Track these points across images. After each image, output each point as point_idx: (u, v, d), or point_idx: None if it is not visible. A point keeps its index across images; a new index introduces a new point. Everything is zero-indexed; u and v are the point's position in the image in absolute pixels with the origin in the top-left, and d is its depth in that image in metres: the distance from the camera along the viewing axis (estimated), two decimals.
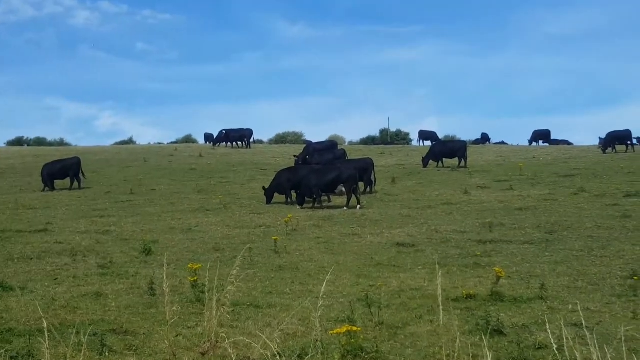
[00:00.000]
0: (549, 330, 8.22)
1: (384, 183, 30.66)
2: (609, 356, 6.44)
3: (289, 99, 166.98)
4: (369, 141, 74.80)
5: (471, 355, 7.19)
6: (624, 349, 6.55)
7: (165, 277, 8.38)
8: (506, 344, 8.65)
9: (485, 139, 67.33)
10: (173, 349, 8.22)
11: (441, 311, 7.43)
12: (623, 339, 7.16)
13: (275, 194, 26.34)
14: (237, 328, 9.45)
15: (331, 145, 43.74)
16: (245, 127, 58.08)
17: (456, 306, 10.72)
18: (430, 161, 37.84)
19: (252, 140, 58.71)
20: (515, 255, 14.96)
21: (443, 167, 37.54)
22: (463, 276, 13.04)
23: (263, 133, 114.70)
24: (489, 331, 8.84)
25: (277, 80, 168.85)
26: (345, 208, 23.75)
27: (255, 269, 13.58)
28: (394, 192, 28.37)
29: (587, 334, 9.09)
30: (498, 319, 9.31)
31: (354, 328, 7.09)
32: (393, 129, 79.12)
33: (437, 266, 10.30)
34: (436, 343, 8.55)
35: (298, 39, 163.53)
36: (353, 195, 24.25)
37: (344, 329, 6.86)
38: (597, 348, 8.00)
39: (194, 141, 77.65)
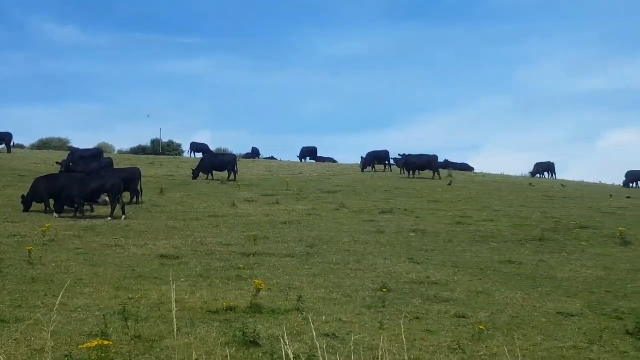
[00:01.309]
0: (304, 341, 8.53)
1: (151, 194, 30.11)
2: None
3: (55, 104, 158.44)
4: (139, 151, 73.10)
5: None
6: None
7: None
8: (260, 355, 8.83)
9: (255, 153, 68.43)
10: None
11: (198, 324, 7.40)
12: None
13: (36, 203, 24.92)
14: None
15: (97, 153, 42.26)
16: (3, 131, 54.40)
17: (215, 318, 10.79)
18: (201, 173, 37.78)
19: (12, 144, 55.10)
20: (277, 268, 15.34)
21: (213, 179, 37.63)
22: (225, 288, 13.14)
23: (24, 138, 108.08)
24: (245, 343, 8.99)
25: (41, 83, 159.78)
26: (109, 218, 23.02)
27: (4, 281, 12.76)
28: (162, 203, 27.97)
29: (338, 344, 9.59)
30: (255, 331, 9.48)
31: (106, 342, 6.88)
32: (165, 140, 78.11)
33: (199, 278, 10.30)
34: (191, 356, 8.52)
35: (67, 42, 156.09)
36: (117, 205, 23.58)
37: (95, 343, 6.64)
38: (348, 357, 8.44)
39: None
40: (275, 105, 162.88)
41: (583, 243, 20.27)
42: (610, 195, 34.40)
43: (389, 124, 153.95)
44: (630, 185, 44.78)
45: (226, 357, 8.51)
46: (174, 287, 7.44)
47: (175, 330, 8.61)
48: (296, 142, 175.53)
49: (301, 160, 62.36)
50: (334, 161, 63.45)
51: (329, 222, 22.90)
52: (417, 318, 11.55)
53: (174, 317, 6.83)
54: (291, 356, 7.41)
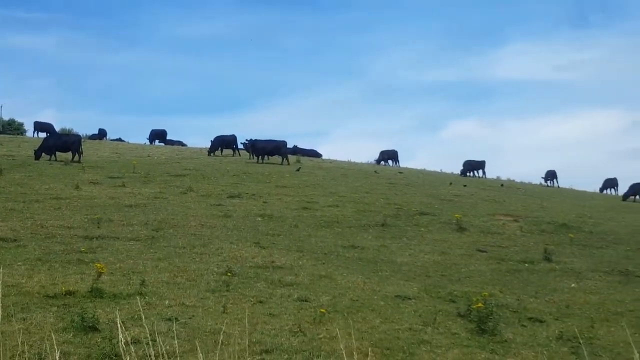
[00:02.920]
0: (144, 325, 8.43)
1: None
2: (198, 348, 6.74)
3: None
4: None
5: (62, 352, 7.06)
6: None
7: None
8: (99, 340, 8.66)
9: (102, 134, 66.21)
10: None
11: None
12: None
13: None
14: None
15: None
16: None
17: (53, 303, 10.47)
18: (43, 154, 36.17)
19: None
20: (121, 252, 15.02)
21: (56, 160, 36.15)
22: (65, 272, 12.73)
23: None
24: (83, 328, 8.77)
25: None
26: None
27: None
28: (0, 184, 26.58)
29: (180, 328, 9.55)
30: (94, 315, 9.29)
31: None
32: (6, 118, 74.06)
33: (38, 262, 9.93)
34: (26, 341, 8.22)
35: None
36: None
37: None
38: (189, 341, 8.44)
39: None
40: (123, 86, 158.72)
41: (422, 229, 21.18)
42: (450, 183, 36.04)
43: (241, 108, 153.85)
44: (468, 174, 47.03)
45: (62, 342, 8.28)
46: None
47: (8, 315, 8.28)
48: (145, 124, 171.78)
49: (150, 143, 61.04)
50: (184, 144, 62.55)
51: (175, 206, 22.61)
52: (261, 302, 11.70)
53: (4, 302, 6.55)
54: (129, 341, 7.35)
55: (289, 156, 39.95)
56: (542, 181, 49.14)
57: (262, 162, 37.86)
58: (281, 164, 37.82)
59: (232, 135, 44.47)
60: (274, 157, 39.46)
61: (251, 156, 39.97)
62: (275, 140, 39.81)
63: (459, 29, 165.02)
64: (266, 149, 38.98)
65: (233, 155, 42.61)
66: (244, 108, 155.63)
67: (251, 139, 41.05)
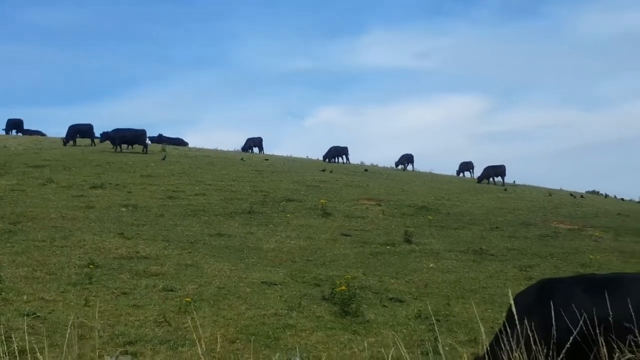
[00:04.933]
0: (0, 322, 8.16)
1: None
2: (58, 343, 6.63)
3: None
4: None
5: None
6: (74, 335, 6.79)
7: None
8: None
9: None
10: None
11: None
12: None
13: None
14: None
15: None
16: None
17: None
18: None
19: None
20: None
21: None
22: None
23: None
24: None
25: None
26: None
27: None
28: None
29: (38, 323, 9.31)
30: None
31: None
32: None
33: None
34: None
35: None
36: None
37: None
38: (48, 336, 8.24)
39: None
40: None
41: (288, 215, 21.43)
42: (323, 170, 36.52)
43: (103, 97, 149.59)
44: (332, 160, 47.75)
45: None
46: None
47: None
48: (1, 113, 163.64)
49: (7, 133, 58.27)
50: (43, 134, 60.13)
51: (35, 198, 21.77)
52: (125, 293, 11.56)
53: None
54: None
55: (154, 145, 39.21)
56: (396, 166, 50.21)
57: (121, 151, 36.93)
58: (142, 152, 37.08)
59: (88, 124, 43.12)
60: (136, 146, 38.55)
61: (116, 148, 38.84)
62: (135, 128, 38.87)
63: (319, 17, 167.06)
64: (125, 138, 37.99)
65: (91, 145, 41.29)
66: (106, 98, 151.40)
67: (111, 130, 39.77)
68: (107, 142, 38.35)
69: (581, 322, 5.93)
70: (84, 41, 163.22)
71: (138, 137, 38.30)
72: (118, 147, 37.52)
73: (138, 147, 38.27)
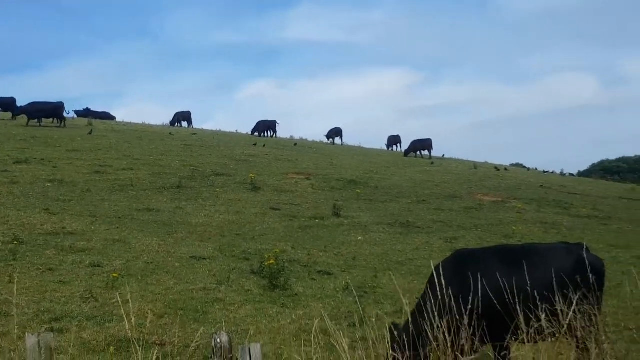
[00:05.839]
0: None
1: None
2: None
3: None
4: None
5: None
6: None
7: None
8: None
9: None
10: None
11: None
12: None
13: None
14: None
15: None
16: None
17: None
18: None
19: None
20: None
21: None
22: None
23: None
24: None
25: None
26: None
27: None
28: None
29: None
30: None
31: None
32: None
33: None
34: None
35: None
36: None
37: None
38: None
39: None
40: None
41: (217, 189, 21.41)
42: (255, 144, 36.43)
43: (26, 69, 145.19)
44: (262, 134, 47.60)
45: None
46: None
47: None
48: None
49: None
50: None
51: None
52: (50, 269, 11.43)
53: None
54: None
55: (81, 119, 38.35)
56: (325, 139, 50.51)
57: (40, 125, 35.94)
58: (59, 126, 36.22)
59: (11, 97, 41.91)
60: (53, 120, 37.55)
61: (28, 121, 37.59)
62: (52, 102, 37.87)
63: None
64: (43, 111, 36.92)
65: (12, 119, 40.11)
66: (30, 70, 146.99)
67: (32, 102, 38.58)
68: (23, 116, 37.22)
69: (492, 294, 6.18)
70: (3, 10, 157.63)
71: (55, 110, 37.28)
72: (36, 120, 36.36)
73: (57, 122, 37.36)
